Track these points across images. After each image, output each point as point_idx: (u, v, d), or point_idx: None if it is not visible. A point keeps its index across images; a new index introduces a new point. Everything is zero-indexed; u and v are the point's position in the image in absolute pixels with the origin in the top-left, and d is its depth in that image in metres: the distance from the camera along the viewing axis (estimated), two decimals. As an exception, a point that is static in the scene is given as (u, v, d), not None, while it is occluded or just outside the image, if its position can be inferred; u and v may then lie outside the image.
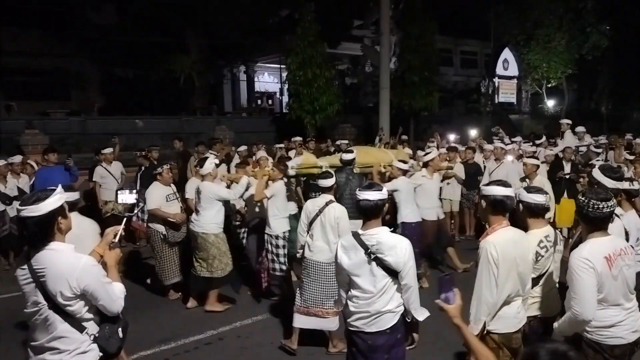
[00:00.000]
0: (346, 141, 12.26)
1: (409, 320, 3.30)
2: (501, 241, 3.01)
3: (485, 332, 3.05)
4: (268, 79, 28.36)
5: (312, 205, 5.15)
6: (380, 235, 3.18)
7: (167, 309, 6.52)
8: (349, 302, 3.29)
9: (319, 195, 5.29)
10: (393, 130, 14.07)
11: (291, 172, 6.87)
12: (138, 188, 8.19)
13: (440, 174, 8.15)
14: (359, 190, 3.24)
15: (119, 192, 3.84)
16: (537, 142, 11.51)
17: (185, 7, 16.73)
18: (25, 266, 2.61)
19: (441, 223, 7.73)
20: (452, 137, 13.15)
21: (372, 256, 3.13)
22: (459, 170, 9.39)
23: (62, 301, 2.56)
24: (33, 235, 2.55)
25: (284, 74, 17.36)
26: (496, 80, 26.59)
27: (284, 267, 6.35)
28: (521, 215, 3.41)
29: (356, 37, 22.43)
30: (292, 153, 10.16)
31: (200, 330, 5.79)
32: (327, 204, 5.02)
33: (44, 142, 12.08)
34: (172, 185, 6.78)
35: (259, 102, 26.92)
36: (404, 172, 7.16)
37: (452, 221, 9.65)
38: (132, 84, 20.36)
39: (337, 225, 4.92)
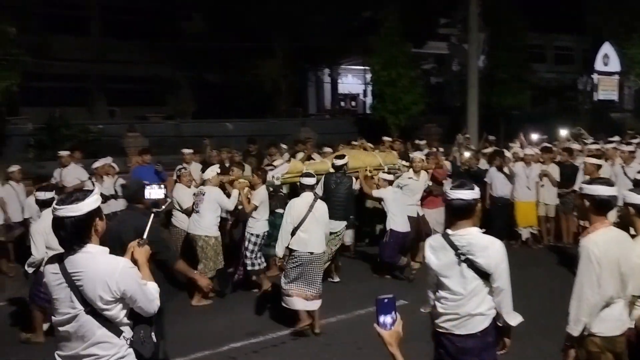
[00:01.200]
0: (424, 141, 11.96)
1: (500, 325, 3.18)
2: (604, 240, 2.89)
3: (587, 334, 2.89)
4: (351, 81, 28.45)
5: (301, 202, 5.70)
6: (471, 235, 3.05)
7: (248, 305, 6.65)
8: (437, 303, 3.20)
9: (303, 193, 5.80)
10: (481, 129, 13.60)
11: (276, 182, 7.02)
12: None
13: (429, 172, 8.24)
14: (449, 189, 3.12)
15: (147, 187, 3.74)
16: (634, 141, 10.59)
17: (271, 13, 17.22)
18: (58, 270, 2.51)
19: (420, 220, 7.97)
20: (535, 136, 12.40)
21: (463, 257, 3.01)
22: (554, 171, 8.90)
23: (102, 305, 2.48)
24: (71, 236, 2.47)
25: (368, 76, 17.38)
26: (595, 76, 24.85)
27: (261, 263, 6.90)
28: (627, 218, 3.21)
29: (442, 35, 21.92)
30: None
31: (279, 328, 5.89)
32: (315, 200, 5.72)
33: (144, 144, 12.98)
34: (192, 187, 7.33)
35: (343, 103, 27.09)
36: (390, 183, 7.42)
37: (548, 225, 9.14)
38: (222, 88, 21.26)
39: (325, 220, 5.75)
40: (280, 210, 7.19)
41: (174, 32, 20.40)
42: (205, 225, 6.55)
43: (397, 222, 7.29)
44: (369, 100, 18.96)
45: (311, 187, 5.87)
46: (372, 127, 15.06)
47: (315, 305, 5.65)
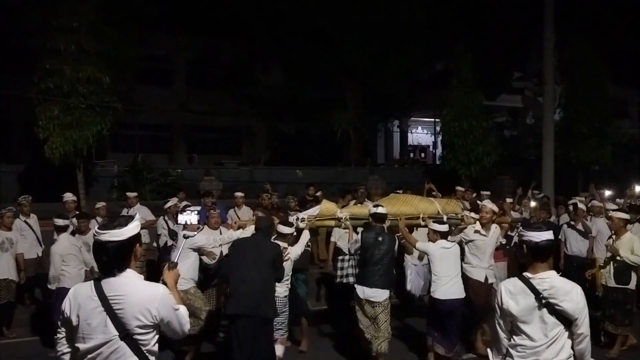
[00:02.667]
0: (488, 192, 11.37)
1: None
2: None
3: None
4: (421, 132, 28.43)
5: None
6: (553, 279, 2.93)
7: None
8: (511, 350, 3.01)
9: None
10: (559, 183, 13.05)
11: (301, 224, 6.06)
12: None
13: (502, 227, 6.78)
14: (526, 231, 3.02)
15: (181, 212, 3.83)
16: None
17: (345, 66, 17.77)
18: (95, 293, 2.48)
19: (492, 290, 6.09)
20: (607, 192, 11.50)
21: (544, 302, 2.87)
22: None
23: (139, 330, 2.46)
24: (113, 260, 2.48)
25: (438, 128, 17.34)
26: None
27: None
28: None
29: (516, 88, 21.63)
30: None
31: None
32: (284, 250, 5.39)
33: (219, 187, 13.56)
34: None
35: (412, 154, 27.02)
36: (443, 235, 5.88)
37: None
38: (295, 137, 21.90)
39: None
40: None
41: (253, 84, 21.46)
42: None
43: (441, 287, 5.76)
44: (439, 152, 18.83)
45: (285, 237, 5.55)
46: (442, 178, 14.85)
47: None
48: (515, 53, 19.94)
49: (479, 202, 7.45)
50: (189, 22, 20.08)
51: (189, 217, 3.75)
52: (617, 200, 9.95)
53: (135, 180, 14.81)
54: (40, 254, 8.44)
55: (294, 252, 5.72)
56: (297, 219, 6.16)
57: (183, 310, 2.69)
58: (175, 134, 22.61)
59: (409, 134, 27.19)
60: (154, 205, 9.85)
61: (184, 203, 6.84)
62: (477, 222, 6.46)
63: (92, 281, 2.54)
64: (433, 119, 24.02)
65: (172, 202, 9.04)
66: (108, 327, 2.44)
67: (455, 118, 14.76)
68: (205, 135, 22.79)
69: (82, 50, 11.43)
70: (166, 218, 8.99)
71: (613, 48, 17.51)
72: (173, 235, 9.02)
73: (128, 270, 2.52)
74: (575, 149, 16.36)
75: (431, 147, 27.22)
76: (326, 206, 6.45)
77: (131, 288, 2.48)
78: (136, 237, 2.56)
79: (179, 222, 3.80)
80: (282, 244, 5.48)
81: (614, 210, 6.94)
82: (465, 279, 6.21)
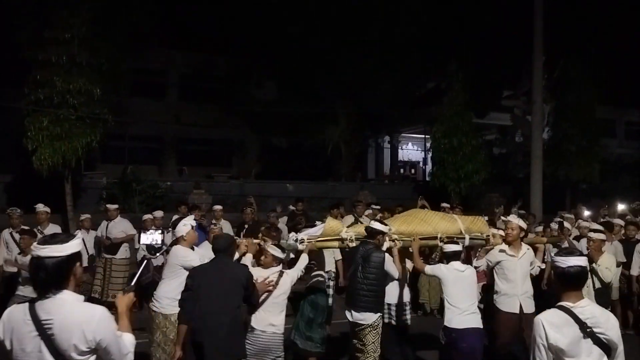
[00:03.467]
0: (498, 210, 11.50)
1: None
2: None
3: None
4: (412, 149, 28.60)
5: (261, 275, 4.97)
6: (592, 307, 2.80)
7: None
8: None
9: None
10: (547, 200, 13.17)
11: (300, 246, 5.50)
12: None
13: (540, 249, 6.26)
14: (559, 256, 2.83)
15: (143, 232, 3.60)
16: None
17: (336, 81, 17.91)
18: (29, 317, 2.32)
19: (528, 319, 5.26)
20: (586, 211, 11.35)
21: (589, 332, 2.72)
22: (618, 249, 7.96)
23: (76, 356, 2.30)
24: (50, 278, 2.33)
25: (428, 144, 17.46)
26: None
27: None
28: None
29: (505, 107, 21.86)
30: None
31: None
32: (280, 276, 4.99)
33: (208, 201, 13.51)
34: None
35: (402, 170, 27.14)
36: (457, 256, 5.28)
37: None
38: (286, 151, 21.94)
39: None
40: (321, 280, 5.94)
41: (245, 98, 21.54)
42: (157, 295, 5.20)
43: (451, 316, 5.10)
44: (429, 168, 18.96)
45: (280, 260, 5.13)
46: (431, 194, 14.94)
47: None
48: (506, 72, 20.19)
49: (503, 217, 6.93)
50: (183, 36, 20.18)
51: (153, 236, 3.52)
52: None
53: (124, 192, 14.72)
54: None
55: (289, 277, 5.14)
56: (296, 240, 5.56)
57: (128, 338, 2.54)
58: (166, 146, 22.57)
59: (400, 150, 27.34)
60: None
61: (190, 217, 6.31)
62: (503, 242, 5.80)
63: (27, 303, 2.37)
64: (423, 136, 24.17)
65: (149, 216, 9.31)
66: (43, 353, 2.28)
67: (445, 135, 14.90)
68: (195, 147, 22.78)
69: (74, 62, 11.41)
70: (167, 232, 9.11)
71: (601, 69, 17.79)
72: (151, 250, 9.02)
73: (65, 291, 2.36)
74: (563, 167, 16.52)
75: (421, 163, 27.37)
76: (331, 225, 5.78)
77: (67, 310, 2.32)
78: (77, 255, 2.43)
79: (141, 242, 3.55)
80: (275, 269, 5.06)
81: (593, 230, 6.67)
82: (495, 310, 5.64)
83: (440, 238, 5.74)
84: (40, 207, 8.48)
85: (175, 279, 5.03)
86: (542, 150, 14.78)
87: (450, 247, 5.35)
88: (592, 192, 18.06)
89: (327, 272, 6.66)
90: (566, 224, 8.27)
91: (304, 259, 5.46)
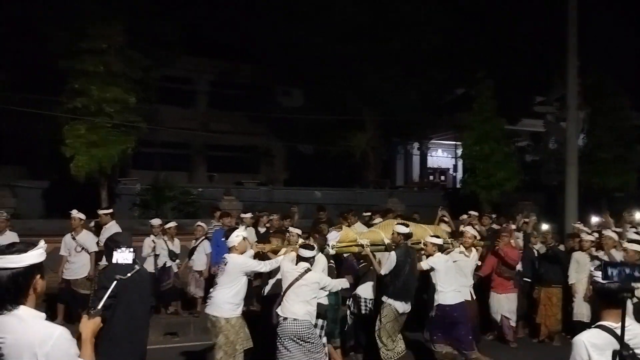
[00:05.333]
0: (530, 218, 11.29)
1: None
2: None
3: None
4: (441, 155, 28.36)
5: (290, 271, 5.52)
6: (633, 326, 2.64)
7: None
8: None
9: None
10: (583, 210, 12.84)
11: (331, 251, 6.30)
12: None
13: (478, 250, 7.46)
14: (597, 270, 2.66)
15: (115, 251, 3.43)
16: None
17: (364, 88, 17.90)
18: None
19: (475, 305, 7.10)
20: (595, 218, 10.97)
21: (631, 352, 2.56)
22: None
23: None
24: (5, 292, 2.12)
25: (458, 151, 17.29)
26: None
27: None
28: None
29: (538, 113, 21.51)
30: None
31: None
32: (306, 271, 5.45)
33: (238, 207, 13.59)
34: None
35: (431, 177, 26.92)
36: (440, 248, 6.63)
37: None
38: (313, 158, 22.00)
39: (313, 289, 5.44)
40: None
41: (272, 106, 21.71)
42: (216, 301, 5.49)
43: (446, 294, 6.36)
44: (459, 175, 18.83)
45: (308, 259, 5.57)
46: (461, 202, 14.75)
47: None
48: (537, 77, 19.86)
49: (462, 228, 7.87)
50: (211, 45, 20.48)
51: (123, 255, 3.23)
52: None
53: (157, 199, 14.98)
54: None
55: (316, 275, 5.62)
56: (328, 245, 6.33)
57: None
58: (195, 153, 22.89)
59: (429, 157, 27.12)
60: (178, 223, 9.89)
61: (241, 228, 6.36)
62: (461, 245, 7.14)
63: None
64: (454, 142, 23.94)
65: (172, 224, 9.38)
66: None
67: (476, 142, 14.70)
68: (224, 154, 23.02)
69: (109, 72, 11.69)
70: (165, 239, 9.17)
71: (636, 74, 17.36)
72: (172, 256, 9.17)
73: (22, 307, 2.15)
74: (598, 175, 16.13)
75: (451, 170, 27.11)
76: (346, 233, 6.68)
77: (20, 328, 2.11)
78: (36, 267, 2.21)
79: (113, 260, 3.39)
80: (304, 265, 5.55)
81: (630, 241, 6.57)
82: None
83: (424, 243, 6.76)
84: (74, 213, 8.53)
85: (235, 285, 5.44)
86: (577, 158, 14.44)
87: (437, 241, 6.61)
88: (628, 200, 17.56)
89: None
90: (609, 233, 7.98)
91: (322, 261, 6.05)
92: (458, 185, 18.29)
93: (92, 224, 9.11)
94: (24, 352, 2.08)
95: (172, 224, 9.45)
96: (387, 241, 6.68)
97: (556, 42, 15.26)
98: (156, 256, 9.24)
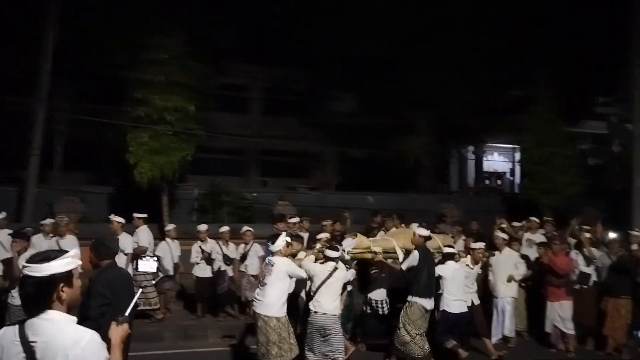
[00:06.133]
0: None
1: None
2: None
3: None
4: (498, 159, 27.60)
5: (321, 270, 6.21)
6: None
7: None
8: None
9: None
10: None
11: (347, 256, 6.81)
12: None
13: (483, 262, 7.98)
14: None
15: (140, 260, 3.47)
16: None
17: (417, 92, 17.69)
18: (18, 337, 2.22)
19: (475, 309, 7.57)
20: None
21: None
22: None
23: None
24: (29, 298, 2.23)
25: (516, 154, 16.77)
26: None
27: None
28: None
29: (600, 114, 20.59)
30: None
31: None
32: (335, 269, 6.21)
33: (292, 212, 13.75)
34: None
35: (487, 181, 26.25)
36: (452, 257, 7.07)
37: None
38: (365, 163, 21.94)
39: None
40: (347, 287, 7.37)
41: (324, 111, 21.84)
42: (267, 302, 5.90)
43: (451, 303, 6.98)
44: (516, 179, 18.23)
45: (334, 259, 6.30)
46: (521, 207, 14.29)
47: None
48: (600, 77, 19.02)
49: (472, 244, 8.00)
50: (265, 52, 20.84)
51: (148, 263, 3.35)
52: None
53: (214, 203, 15.37)
54: None
55: (343, 272, 6.46)
56: (344, 251, 6.82)
57: None
58: (249, 158, 23.34)
59: (485, 160, 26.44)
60: (232, 228, 10.11)
61: (284, 234, 6.64)
62: (468, 256, 7.67)
63: (18, 324, 2.28)
64: (511, 145, 23.25)
65: (225, 228, 9.59)
66: None
67: (536, 145, 14.21)
68: (276, 159, 23.34)
69: (170, 82, 12.13)
70: (220, 243, 9.45)
71: None
72: (227, 260, 9.36)
73: (51, 311, 2.24)
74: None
75: (508, 174, 26.35)
76: (360, 240, 7.23)
77: (52, 331, 2.20)
78: (61, 277, 2.26)
79: (139, 269, 3.48)
80: (331, 264, 6.28)
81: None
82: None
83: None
84: (113, 217, 8.82)
85: (283, 286, 5.96)
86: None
87: (451, 250, 7.17)
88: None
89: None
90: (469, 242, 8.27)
91: (352, 272, 6.94)
92: (516, 190, 17.73)
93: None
94: (57, 355, 2.15)
95: (225, 229, 9.63)
96: (398, 249, 7.16)
97: (619, 40, 14.62)
98: (211, 260, 9.51)
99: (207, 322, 9.31)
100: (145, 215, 9.30)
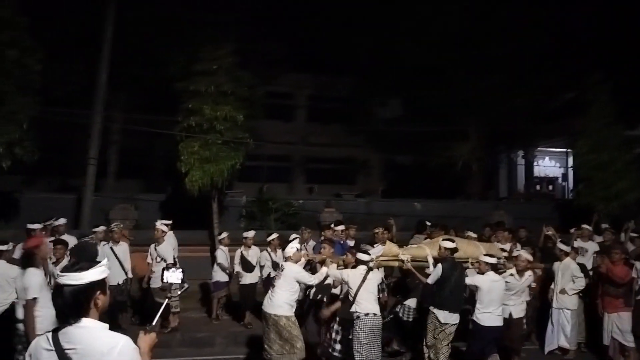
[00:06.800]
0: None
1: None
2: None
3: None
4: (549, 164, 26.70)
5: (356, 273, 6.39)
6: None
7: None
8: None
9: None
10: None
11: (371, 264, 6.71)
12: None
13: (536, 273, 7.69)
14: None
15: (165, 270, 3.54)
16: None
17: (464, 99, 17.39)
18: (51, 345, 2.29)
19: (514, 323, 7.31)
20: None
21: None
22: None
23: None
24: (66, 306, 2.28)
25: (569, 159, 16.18)
26: None
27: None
28: None
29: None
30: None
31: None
32: (368, 271, 6.37)
33: (339, 219, 13.73)
34: None
35: (538, 187, 25.43)
36: (493, 267, 6.82)
37: None
38: (411, 169, 21.72)
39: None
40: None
41: (369, 117, 21.77)
42: (276, 302, 6.39)
43: (482, 316, 6.73)
44: (569, 184, 17.55)
45: (366, 263, 6.46)
46: (575, 214, 13.76)
47: None
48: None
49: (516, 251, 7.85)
50: (309, 59, 21.02)
51: (172, 274, 3.51)
52: None
53: (262, 210, 15.57)
54: (120, 282, 8.73)
55: (376, 273, 6.65)
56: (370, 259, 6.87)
57: None
58: (295, 165, 23.54)
59: (535, 165, 25.63)
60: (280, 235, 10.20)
61: (295, 241, 7.12)
62: (514, 267, 7.32)
63: (50, 332, 2.35)
64: (565, 150, 22.44)
65: (274, 236, 9.64)
66: None
67: (593, 149, 13.66)
68: (322, 166, 23.44)
69: (220, 92, 12.39)
70: (269, 250, 9.57)
71: None
72: (276, 267, 9.41)
73: (84, 319, 2.31)
74: None
75: (560, 179, 25.45)
76: (389, 247, 7.28)
77: (87, 339, 2.27)
78: (97, 284, 2.36)
79: (164, 280, 3.59)
80: (363, 267, 6.45)
81: None
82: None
83: (471, 262, 7.26)
84: (158, 224, 8.97)
85: (291, 289, 6.41)
86: None
87: (490, 260, 6.82)
88: None
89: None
90: (518, 251, 7.92)
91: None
92: (568, 196, 17.10)
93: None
94: None
95: (274, 236, 9.69)
96: (430, 258, 7.09)
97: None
98: (261, 267, 9.66)
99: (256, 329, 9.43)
100: (170, 222, 9.45)
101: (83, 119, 14.44)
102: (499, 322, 6.82)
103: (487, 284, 6.72)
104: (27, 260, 5.30)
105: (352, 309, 6.32)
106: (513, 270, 7.29)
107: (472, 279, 6.87)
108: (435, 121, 18.26)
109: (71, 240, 8.61)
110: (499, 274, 7.04)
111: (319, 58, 20.84)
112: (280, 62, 16.85)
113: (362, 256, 6.57)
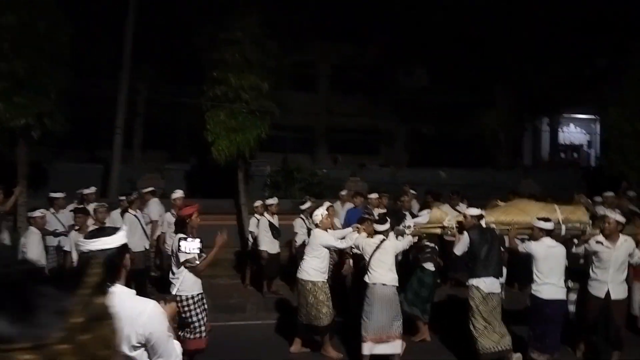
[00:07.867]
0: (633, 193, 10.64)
1: None
2: None
3: None
4: (574, 131, 26.15)
5: (368, 243, 6.38)
6: None
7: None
8: None
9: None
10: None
11: (407, 232, 6.64)
12: None
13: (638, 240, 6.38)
14: None
15: (182, 240, 3.57)
16: None
17: (494, 67, 17.00)
18: None
19: (614, 304, 6.07)
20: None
21: None
22: None
23: (127, 351, 2.26)
24: (103, 272, 2.38)
25: (596, 126, 15.79)
26: None
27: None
28: None
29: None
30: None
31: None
32: (383, 241, 6.26)
33: (364, 188, 13.77)
34: None
35: (563, 155, 24.98)
36: (548, 233, 6.02)
37: None
38: (436, 140, 21.48)
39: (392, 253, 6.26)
40: (430, 267, 7.27)
41: (393, 87, 21.47)
42: (304, 268, 6.58)
43: (541, 287, 5.93)
44: (595, 151, 17.13)
45: (383, 232, 6.35)
46: (604, 182, 13.51)
47: (392, 348, 6.07)
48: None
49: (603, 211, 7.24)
50: (334, 28, 20.65)
51: (190, 244, 3.57)
52: None
53: (286, 180, 15.65)
54: (147, 247, 9.08)
55: (392, 243, 6.46)
56: (405, 226, 6.79)
57: (176, 343, 2.52)
58: (318, 136, 23.45)
59: (560, 132, 25.11)
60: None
61: (322, 207, 7.00)
62: (600, 233, 6.25)
63: None
64: (592, 116, 21.89)
65: (308, 204, 9.66)
66: None
67: (628, 118, 13.27)
68: (345, 136, 23.30)
69: (246, 61, 12.32)
70: (302, 217, 9.67)
71: None
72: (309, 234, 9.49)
73: (117, 284, 2.36)
74: None
75: (585, 146, 24.94)
76: (435, 214, 6.86)
77: (120, 303, 2.21)
78: (125, 247, 2.46)
79: (181, 249, 3.67)
80: (380, 237, 6.37)
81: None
82: (585, 293, 6.39)
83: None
84: (178, 193, 9.55)
85: (318, 255, 6.50)
86: None
87: (543, 225, 6.02)
88: None
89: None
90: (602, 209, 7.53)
91: (407, 240, 6.66)
92: (594, 163, 16.76)
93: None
94: (125, 325, 2.23)
95: (308, 204, 9.71)
96: (446, 223, 6.69)
97: None
98: (295, 234, 9.78)
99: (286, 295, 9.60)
100: (152, 189, 10.09)
101: (111, 92, 14.56)
102: (561, 295, 6.02)
103: (543, 250, 5.96)
104: (179, 228, 5.40)
105: (365, 278, 6.37)
106: (600, 237, 6.19)
107: (524, 245, 6.25)
108: (463, 90, 17.95)
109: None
110: (582, 243, 6.36)
111: (344, 27, 20.49)
112: (306, 30, 16.59)
113: (378, 227, 6.51)
